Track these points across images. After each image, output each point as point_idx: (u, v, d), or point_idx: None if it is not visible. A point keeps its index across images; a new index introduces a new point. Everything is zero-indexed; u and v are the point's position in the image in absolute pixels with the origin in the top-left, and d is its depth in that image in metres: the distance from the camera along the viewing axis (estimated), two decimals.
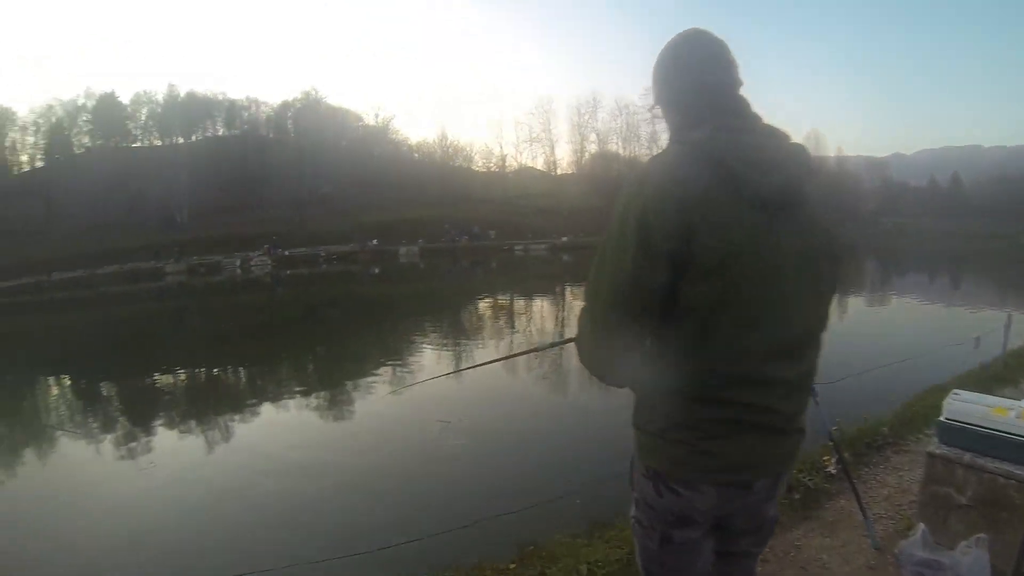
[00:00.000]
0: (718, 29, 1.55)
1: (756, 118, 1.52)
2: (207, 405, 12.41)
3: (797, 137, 1.50)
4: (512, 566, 4.07)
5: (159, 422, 11.07)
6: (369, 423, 10.22)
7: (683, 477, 1.49)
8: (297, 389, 13.20)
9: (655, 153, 1.52)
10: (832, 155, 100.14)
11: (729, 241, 1.32)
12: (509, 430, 9.23)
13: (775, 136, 1.50)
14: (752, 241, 1.35)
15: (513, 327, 20.66)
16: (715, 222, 1.32)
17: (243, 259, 55.43)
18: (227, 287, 45.60)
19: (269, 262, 55.34)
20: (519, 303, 27.68)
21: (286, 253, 57.04)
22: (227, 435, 10.24)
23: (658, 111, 1.69)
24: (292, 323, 26.51)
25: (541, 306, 26.68)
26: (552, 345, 3.53)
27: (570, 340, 1.88)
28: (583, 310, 1.50)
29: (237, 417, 11.18)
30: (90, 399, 14.12)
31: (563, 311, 24.38)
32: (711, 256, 1.32)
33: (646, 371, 1.46)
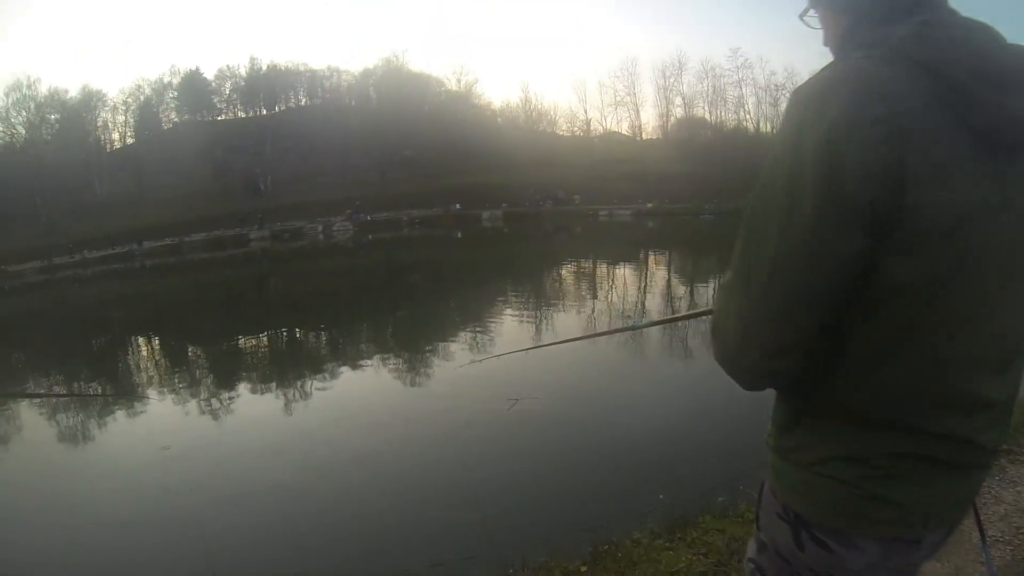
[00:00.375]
0: None
1: (968, 19, 0.98)
2: (278, 371, 12.31)
3: None
4: (583, 568, 3.80)
5: (230, 386, 11.15)
6: (437, 398, 9.42)
7: (839, 528, 1.07)
8: (367, 359, 12.64)
9: (820, 75, 0.95)
10: None
11: (959, 192, 0.89)
12: (584, 413, 8.28)
13: (1006, 44, 0.95)
14: (982, 196, 0.91)
15: (596, 295, 19.23)
16: (939, 162, 0.88)
17: (325, 224, 55.34)
18: (309, 252, 45.62)
19: (351, 227, 55.00)
20: (602, 270, 26.00)
21: (368, 218, 56.46)
22: (289, 406, 9.86)
23: (814, 16, 1.15)
24: (371, 288, 25.67)
25: (624, 274, 24.63)
26: (651, 324, 2.97)
27: (665, 321, 1.78)
28: (725, 290, 1.06)
29: (302, 384, 10.88)
30: (172, 362, 14.73)
31: (647, 279, 22.61)
32: (935, 215, 0.88)
33: (809, 381, 1.05)
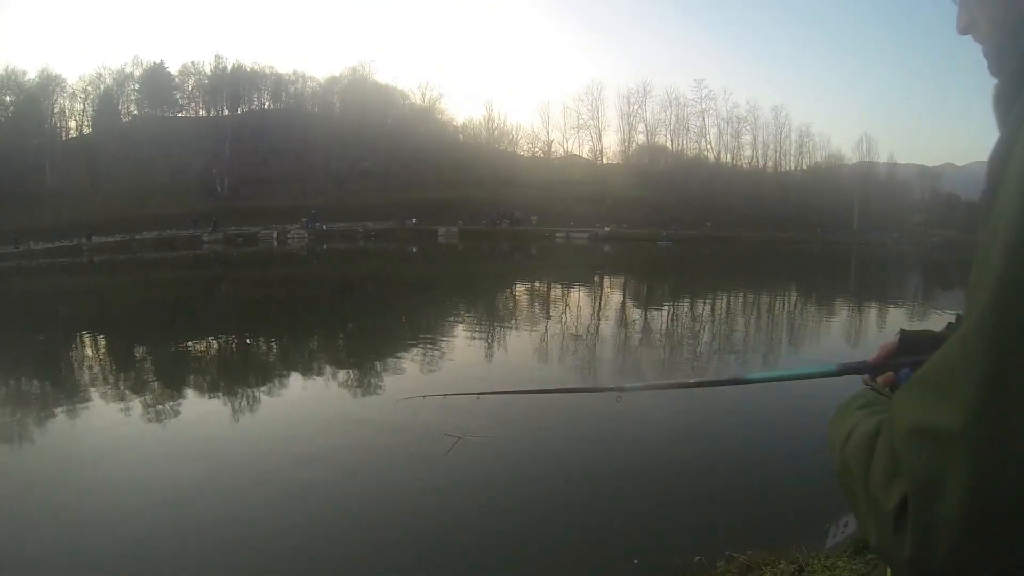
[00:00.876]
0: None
1: None
2: (216, 384, 11.74)
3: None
4: None
5: (167, 393, 10.60)
6: (378, 430, 8.48)
7: None
8: (311, 376, 12.02)
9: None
10: (883, 162, 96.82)
11: None
12: (534, 455, 7.49)
13: None
14: None
15: (549, 318, 19.07)
16: None
17: (280, 231, 55.16)
18: (263, 258, 45.37)
19: (306, 235, 54.97)
20: (556, 293, 26.35)
21: (324, 227, 56.51)
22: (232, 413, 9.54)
23: (982, 26, 0.76)
24: (323, 299, 25.60)
25: (578, 298, 25.16)
26: (645, 388, 1.71)
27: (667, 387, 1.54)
28: (882, 421, 0.70)
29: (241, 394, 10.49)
30: (114, 362, 14.29)
31: (600, 303, 22.88)
32: None
33: None
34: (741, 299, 24.92)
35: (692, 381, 1.73)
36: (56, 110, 72.82)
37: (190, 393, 10.69)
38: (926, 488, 0.59)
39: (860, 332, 17.18)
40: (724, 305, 22.91)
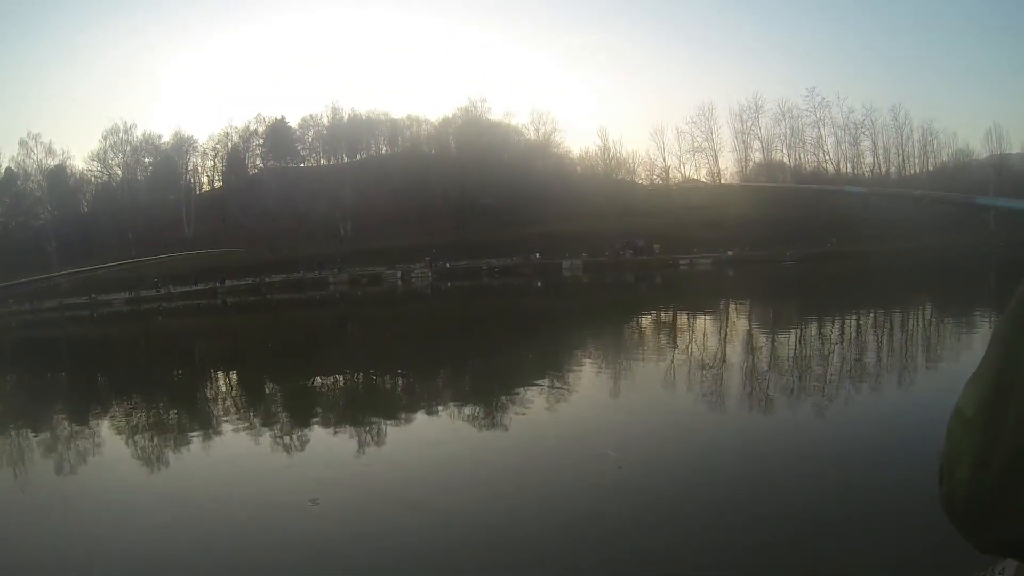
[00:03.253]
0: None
1: None
2: (346, 411, 11.91)
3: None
4: None
5: (299, 425, 10.58)
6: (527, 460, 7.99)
7: None
8: (443, 404, 11.59)
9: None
10: (1017, 152, 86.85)
11: None
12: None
13: None
14: None
15: (676, 348, 17.31)
16: None
17: (404, 271, 54.88)
18: (388, 297, 44.88)
19: (430, 274, 54.42)
20: (683, 322, 24.03)
21: (447, 265, 55.76)
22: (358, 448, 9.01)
23: None
24: (449, 335, 24.15)
25: (703, 325, 22.55)
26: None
27: None
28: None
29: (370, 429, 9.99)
30: (248, 395, 14.51)
31: (728, 332, 20.49)
32: None
33: None
34: (872, 317, 21.66)
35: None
36: (190, 167, 77.95)
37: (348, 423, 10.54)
38: (950, 458, 0.74)
39: None
40: (853, 324, 20.01)
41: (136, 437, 10.28)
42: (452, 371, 15.85)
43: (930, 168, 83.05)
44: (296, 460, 8.53)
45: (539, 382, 12.53)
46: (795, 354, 15.16)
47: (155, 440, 10.04)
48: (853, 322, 20.39)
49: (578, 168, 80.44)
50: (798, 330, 19.32)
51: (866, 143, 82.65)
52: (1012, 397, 0.67)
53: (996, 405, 0.68)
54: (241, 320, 35.81)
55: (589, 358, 16.38)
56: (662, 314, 26.50)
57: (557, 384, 12.46)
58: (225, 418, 11.24)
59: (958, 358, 13.42)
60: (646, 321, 24.48)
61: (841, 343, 16.46)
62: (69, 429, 11.13)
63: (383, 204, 67.01)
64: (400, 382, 15.08)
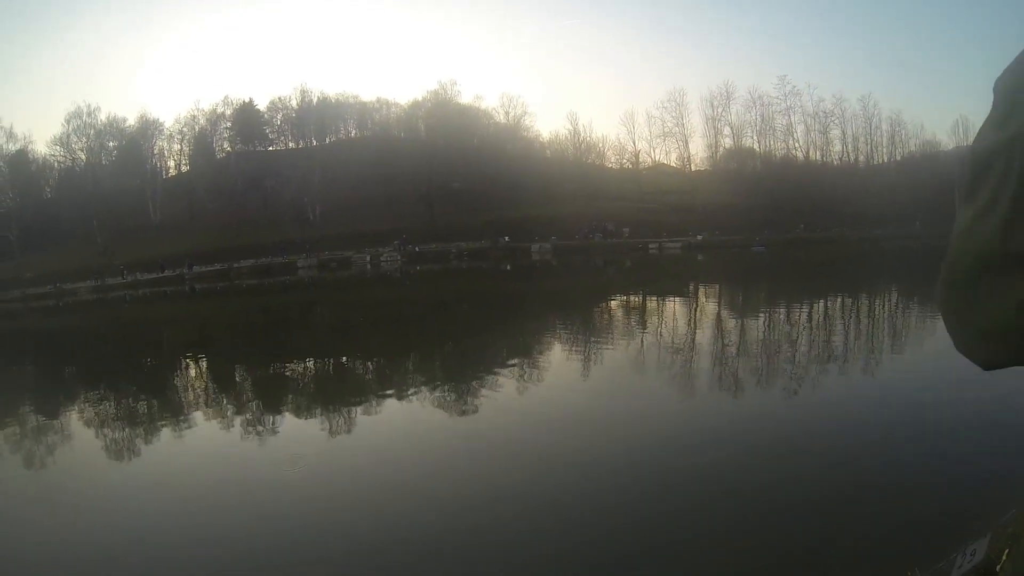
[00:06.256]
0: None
1: None
2: (318, 394, 12.52)
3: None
4: None
5: (270, 411, 11.03)
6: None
7: None
8: (412, 393, 11.92)
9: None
10: None
11: None
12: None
13: None
14: None
15: (644, 330, 18.33)
16: None
17: (373, 255, 54.92)
18: (357, 281, 45.03)
19: (399, 257, 54.54)
20: (652, 305, 24.78)
21: (416, 249, 55.92)
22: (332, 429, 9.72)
23: None
24: (419, 319, 24.63)
25: (673, 310, 23.39)
26: None
27: None
28: None
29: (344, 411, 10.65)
30: (218, 381, 14.86)
31: (696, 315, 21.44)
32: None
33: None
34: (839, 302, 22.75)
35: None
36: (156, 151, 76.22)
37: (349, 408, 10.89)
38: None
39: None
40: (821, 309, 21.07)
41: (115, 424, 10.77)
42: (421, 355, 16.37)
43: (898, 158, 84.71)
44: (267, 441, 9.13)
45: (507, 366, 13.18)
46: (763, 337, 15.97)
47: (135, 427, 10.43)
48: (820, 307, 21.36)
49: (548, 152, 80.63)
50: (766, 314, 20.17)
51: (835, 132, 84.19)
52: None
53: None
54: (209, 306, 35.79)
55: (553, 341, 17.01)
56: (632, 298, 27.20)
57: (525, 366, 13.11)
58: (198, 404, 11.78)
59: (911, 343, 14.44)
60: (615, 305, 25.17)
61: (809, 327, 17.35)
62: (46, 419, 11.48)
63: (352, 188, 66.58)
64: (369, 366, 15.62)
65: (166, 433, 9.84)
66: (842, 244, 58.51)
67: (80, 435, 10.33)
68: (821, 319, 19.02)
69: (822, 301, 22.81)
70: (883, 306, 22.32)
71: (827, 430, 8.15)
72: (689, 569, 5.07)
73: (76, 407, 12.65)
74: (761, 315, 20.23)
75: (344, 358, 16.67)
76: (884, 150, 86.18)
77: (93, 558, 5.87)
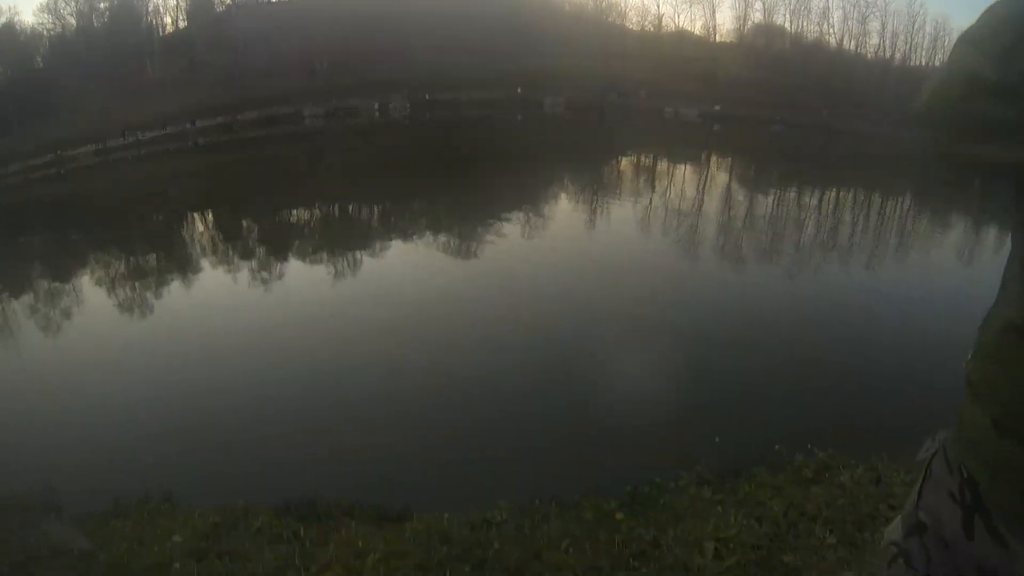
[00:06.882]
0: None
1: None
2: (326, 251, 12.89)
3: None
4: (620, 516, 3.49)
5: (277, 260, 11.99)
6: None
7: None
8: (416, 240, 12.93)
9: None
10: None
11: None
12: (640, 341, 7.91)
13: None
14: None
15: (653, 191, 18.61)
16: None
17: (382, 102, 53.68)
18: (364, 129, 43.67)
19: (408, 105, 53.06)
20: (662, 167, 23.74)
21: (427, 97, 54.35)
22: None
23: None
24: (427, 165, 23.37)
25: (684, 173, 22.31)
26: None
27: None
28: None
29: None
30: (220, 235, 15.27)
31: (706, 182, 21.22)
32: None
33: None
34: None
35: None
36: (151, 8, 71.82)
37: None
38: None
39: None
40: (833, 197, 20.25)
41: (127, 280, 11.62)
42: (426, 200, 16.24)
43: (936, 63, 78.77)
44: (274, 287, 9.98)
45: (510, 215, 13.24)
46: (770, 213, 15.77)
47: (144, 279, 11.35)
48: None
49: (567, 6, 76.68)
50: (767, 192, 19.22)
51: (874, 24, 77.81)
52: None
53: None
54: (212, 160, 34.97)
55: (552, 194, 16.77)
56: (642, 158, 26.09)
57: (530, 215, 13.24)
58: (206, 254, 12.78)
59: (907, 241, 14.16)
60: (626, 164, 24.11)
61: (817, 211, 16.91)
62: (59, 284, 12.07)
63: (363, 40, 63.48)
64: (375, 212, 15.56)
65: (176, 286, 10.93)
66: (865, 138, 55.59)
67: (93, 292, 11.46)
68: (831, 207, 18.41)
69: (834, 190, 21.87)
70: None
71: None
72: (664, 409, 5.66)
73: (89, 267, 13.40)
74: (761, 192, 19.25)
75: (350, 205, 17.66)
76: (924, 52, 79.93)
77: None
